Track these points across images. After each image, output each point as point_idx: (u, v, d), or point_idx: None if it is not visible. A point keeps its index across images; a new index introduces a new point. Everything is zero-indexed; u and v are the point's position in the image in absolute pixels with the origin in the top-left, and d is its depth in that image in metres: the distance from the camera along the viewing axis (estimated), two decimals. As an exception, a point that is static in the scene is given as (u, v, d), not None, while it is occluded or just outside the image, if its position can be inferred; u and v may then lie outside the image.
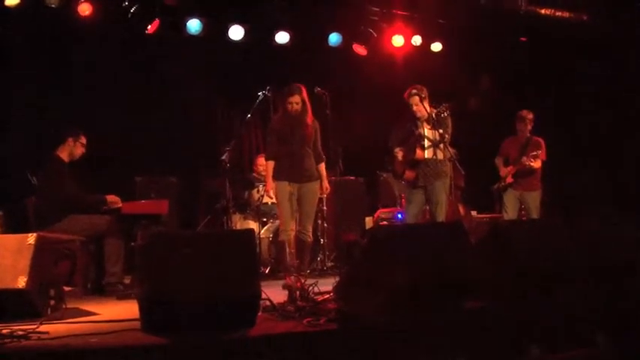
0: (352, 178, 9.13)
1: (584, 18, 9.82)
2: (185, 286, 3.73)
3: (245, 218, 8.30)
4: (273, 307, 4.35)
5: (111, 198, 6.43)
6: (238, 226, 8.10)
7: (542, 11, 9.69)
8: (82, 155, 6.57)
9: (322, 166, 6.54)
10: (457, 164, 6.48)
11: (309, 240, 6.37)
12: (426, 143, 6.47)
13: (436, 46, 10.33)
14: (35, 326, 3.89)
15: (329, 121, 6.27)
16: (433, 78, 7.78)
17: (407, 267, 4.07)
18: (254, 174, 8.67)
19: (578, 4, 9.73)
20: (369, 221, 9.23)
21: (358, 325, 3.85)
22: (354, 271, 4.52)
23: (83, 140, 6.55)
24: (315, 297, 4.68)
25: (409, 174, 6.61)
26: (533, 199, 7.75)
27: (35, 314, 4.36)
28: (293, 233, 6.25)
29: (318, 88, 6.45)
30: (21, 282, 4.32)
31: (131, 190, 7.79)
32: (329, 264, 8.09)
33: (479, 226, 8.68)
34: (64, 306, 4.80)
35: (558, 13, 9.74)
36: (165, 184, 8.24)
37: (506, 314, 4.20)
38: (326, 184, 6.57)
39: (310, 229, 6.37)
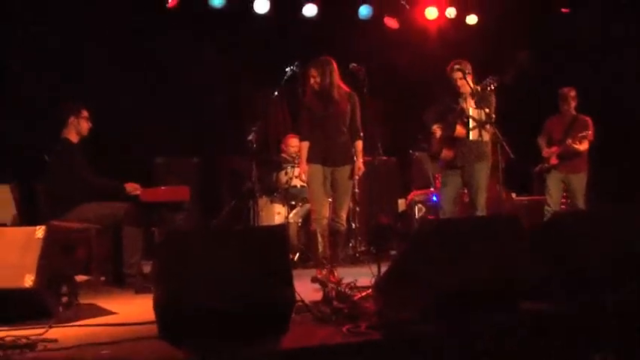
0: (384, 157, 8.61)
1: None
2: (207, 290, 3.29)
3: (272, 202, 7.81)
4: (307, 308, 3.92)
5: (130, 186, 5.98)
6: (264, 211, 7.62)
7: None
8: (89, 129, 6.08)
9: (359, 144, 5.88)
10: (506, 146, 5.95)
11: (343, 229, 5.84)
12: (471, 123, 5.97)
13: (472, 19, 9.84)
14: (43, 331, 3.50)
15: (366, 100, 5.75)
16: (469, 52, 7.26)
17: (458, 265, 3.63)
18: (282, 154, 8.15)
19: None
20: (401, 203, 8.84)
21: (403, 332, 3.41)
22: (397, 267, 4.06)
23: (85, 114, 6.06)
24: (352, 293, 4.26)
25: (446, 153, 6.12)
26: (579, 181, 7.24)
27: (45, 314, 3.97)
28: (325, 221, 5.69)
29: (354, 64, 5.92)
30: (28, 281, 3.93)
31: (149, 172, 7.45)
32: (361, 249, 7.68)
33: (518, 209, 8.25)
34: (77, 302, 4.41)
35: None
36: (186, 166, 7.87)
37: (564, 317, 3.76)
38: (360, 163, 5.92)
39: (345, 217, 5.81)
